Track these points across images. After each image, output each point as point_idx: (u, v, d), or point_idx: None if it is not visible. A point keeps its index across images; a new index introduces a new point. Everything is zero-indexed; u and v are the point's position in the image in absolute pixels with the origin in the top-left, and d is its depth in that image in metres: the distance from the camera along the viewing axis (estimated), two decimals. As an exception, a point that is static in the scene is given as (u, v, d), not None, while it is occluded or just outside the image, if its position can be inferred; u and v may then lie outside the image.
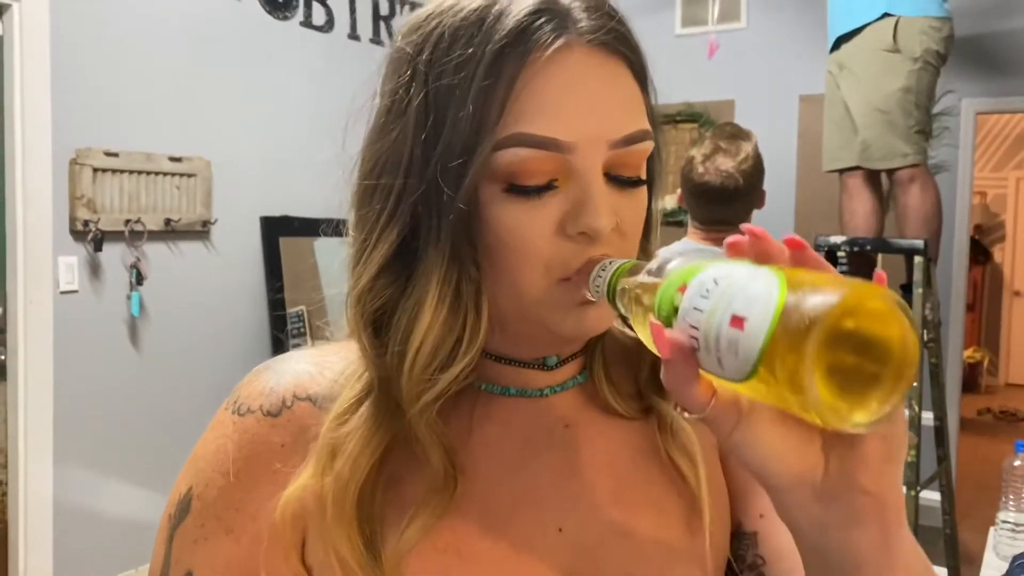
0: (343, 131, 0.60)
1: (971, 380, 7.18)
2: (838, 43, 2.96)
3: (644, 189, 0.58)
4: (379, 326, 0.57)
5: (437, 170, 0.53)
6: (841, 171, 2.98)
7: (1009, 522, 1.80)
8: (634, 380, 0.66)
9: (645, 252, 0.62)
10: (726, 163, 1.91)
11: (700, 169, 1.94)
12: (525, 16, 0.53)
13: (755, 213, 2.02)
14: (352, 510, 0.55)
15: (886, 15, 2.77)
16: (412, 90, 0.55)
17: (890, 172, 2.86)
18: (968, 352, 6.94)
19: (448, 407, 0.58)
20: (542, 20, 0.53)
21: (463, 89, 0.52)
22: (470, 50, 0.53)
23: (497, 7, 0.53)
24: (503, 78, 0.52)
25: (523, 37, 0.52)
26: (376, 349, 0.57)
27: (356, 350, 0.59)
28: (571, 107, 0.53)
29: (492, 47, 0.52)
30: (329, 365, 0.61)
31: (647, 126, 0.56)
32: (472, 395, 0.61)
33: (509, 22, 0.52)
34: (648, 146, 0.56)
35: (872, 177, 2.93)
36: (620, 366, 0.66)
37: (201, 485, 0.59)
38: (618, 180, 0.55)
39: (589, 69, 0.54)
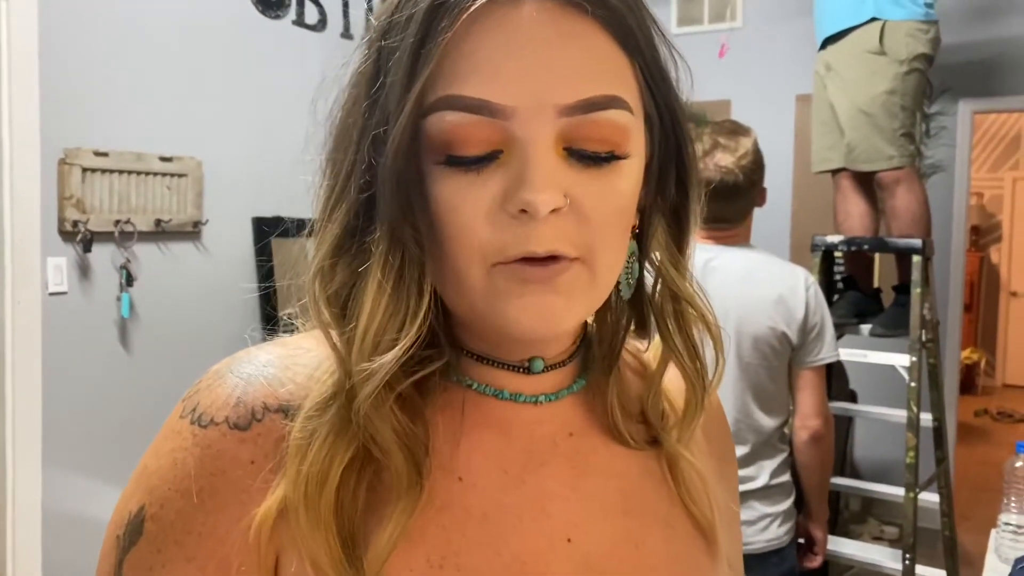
0: (312, 108, 0.56)
1: (968, 381, 7.17)
2: (825, 43, 2.95)
3: (624, 167, 0.50)
4: (345, 310, 0.52)
5: (369, 139, 0.49)
6: (833, 172, 2.97)
7: (1011, 524, 1.77)
8: (639, 401, 0.61)
9: (681, 250, 0.58)
10: (725, 159, 1.88)
11: (699, 165, 1.91)
12: None
13: (755, 211, 1.99)
14: (329, 514, 0.49)
15: (873, 19, 2.77)
16: (367, 53, 0.51)
17: (875, 174, 2.84)
18: (965, 353, 6.93)
19: (435, 407, 0.54)
20: None
21: (402, 48, 0.47)
22: (416, 7, 0.47)
23: None
24: (434, 33, 0.46)
25: None
26: (340, 334, 0.52)
27: (325, 343, 0.53)
28: (511, 66, 0.46)
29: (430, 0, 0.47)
30: (298, 366, 0.55)
31: (617, 92, 0.48)
32: (460, 393, 0.56)
33: None
34: (620, 115, 0.48)
35: (864, 178, 2.91)
36: (625, 385, 0.61)
37: (156, 505, 0.52)
38: (580, 155, 0.48)
39: (539, 24, 0.47)
